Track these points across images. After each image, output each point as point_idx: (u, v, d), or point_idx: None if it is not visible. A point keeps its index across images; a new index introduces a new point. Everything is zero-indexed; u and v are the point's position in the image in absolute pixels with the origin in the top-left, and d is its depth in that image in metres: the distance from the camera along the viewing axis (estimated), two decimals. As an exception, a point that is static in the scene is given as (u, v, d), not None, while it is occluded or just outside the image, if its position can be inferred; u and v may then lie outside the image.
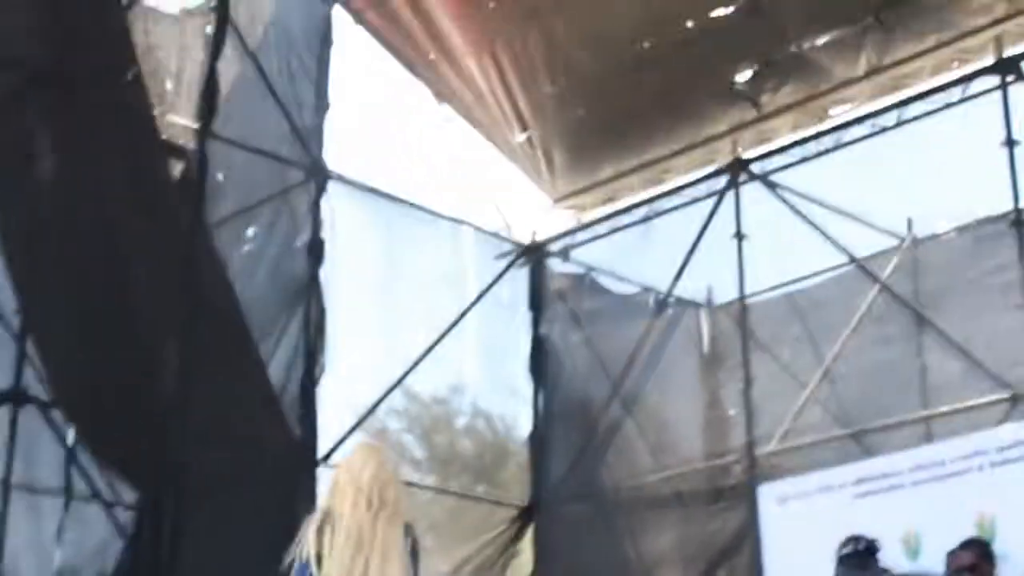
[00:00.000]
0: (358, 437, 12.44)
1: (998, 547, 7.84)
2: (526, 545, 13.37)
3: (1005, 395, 10.78)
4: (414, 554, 5.59)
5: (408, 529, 5.63)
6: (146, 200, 10.66)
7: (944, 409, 11.28)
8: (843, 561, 7.77)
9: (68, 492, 10.05)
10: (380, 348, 12.68)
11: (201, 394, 10.44)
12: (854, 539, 7.87)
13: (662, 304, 13.46)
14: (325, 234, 12.06)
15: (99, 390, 10.12)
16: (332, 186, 12.27)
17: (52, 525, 9.90)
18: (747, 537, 11.32)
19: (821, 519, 9.08)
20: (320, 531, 5.43)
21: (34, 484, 9.95)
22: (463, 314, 13.23)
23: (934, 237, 12.30)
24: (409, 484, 13.48)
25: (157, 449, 10.22)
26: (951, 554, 7.67)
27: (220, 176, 11.39)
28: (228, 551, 10.21)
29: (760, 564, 10.13)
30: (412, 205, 13.28)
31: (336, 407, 12.15)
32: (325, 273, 11.96)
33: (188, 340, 10.49)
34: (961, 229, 12.01)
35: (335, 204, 12.32)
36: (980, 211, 11.73)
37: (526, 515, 13.40)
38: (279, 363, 11.36)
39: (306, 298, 11.79)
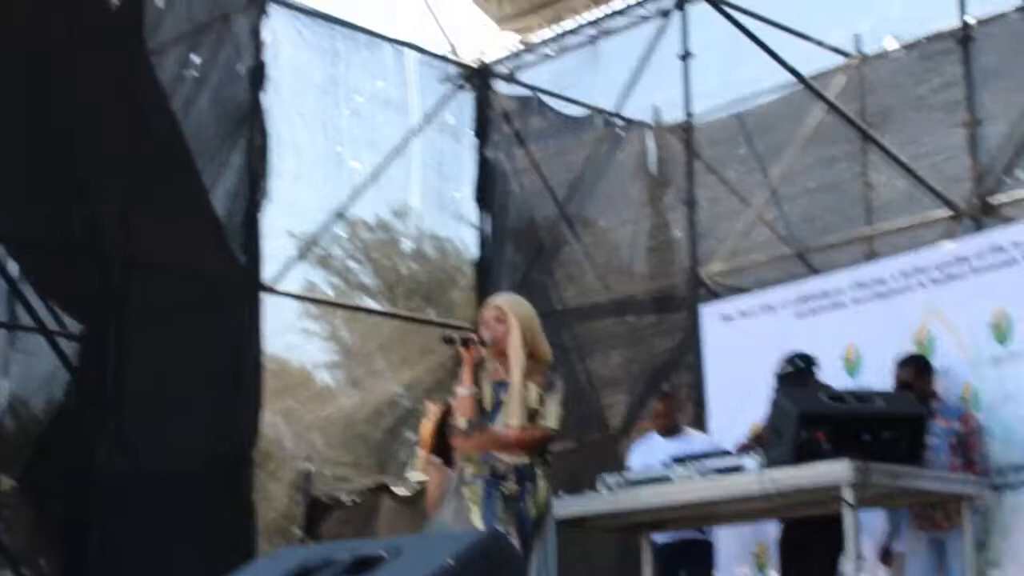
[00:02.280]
0: (303, 263, 12.49)
1: (936, 362, 7.97)
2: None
3: (948, 213, 10.85)
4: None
5: None
6: (84, 27, 10.48)
7: (888, 227, 11.36)
8: (782, 380, 7.88)
9: (13, 324, 10.05)
10: (324, 174, 12.61)
11: (144, 223, 10.40)
12: (791, 359, 7.97)
13: (609, 125, 13.40)
14: (267, 59, 11.90)
15: (41, 222, 10.08)
16: (273, 9, 12.08)
17: (-2, 357, 9.93)
18: (691, 355, 11.47)
19: (763, 337, 9.14)
20: None
21: (-22, 317, 9.95)
22: (408, 139, 13.14)
23: (881, 55, 12.24)
24: (357, 309, 13.59)
25: (100, 280, 10.21)
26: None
27: (159, 1, 11.20)
28: (174, 378, 10.28)
29: (703, 382, 10.24)
30: (355, 28, 13.05)
31: (280, 234, 12.14)
32: (267, 99, 11.84)
33: (131, 170, 10.42)
34: (908, 47, 11.95)
35: (277, 28, 12.16)
36: (928, 28, 11.66)
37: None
38: (222, 191, 11.30)
39: (249, 124, 11.68)
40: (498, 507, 5.93)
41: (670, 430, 8.88)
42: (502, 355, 6.02)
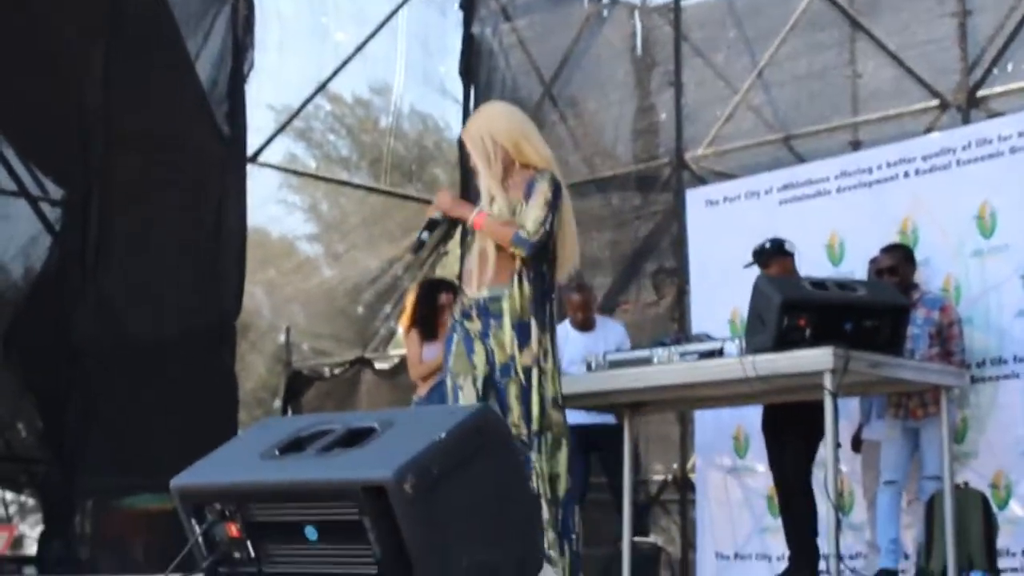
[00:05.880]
0: (284, 136, 12.41)
1: (919, 253, 8.01)
2: (454, 245, 13.47)
3: (934, 103, 10.83)
4: None
5: None
6: None
7: (874, 116, 11.33)
8: (755, 255, 7.90)
9: (-7, 187, 10.02)
10: (308, 46, 12.50)
11: (128, 91, 10.33)
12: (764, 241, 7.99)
13: (596, 4, 13.28)
14: (254, -75, 11.76)
15: (23, 86, 9.97)
16: None
17: (-23, 221, 9.89)
18: (675, 239, 11.50)
19: (747, 223, 9.12)
20: None
21: (-43, 179, 9.89)
22: (393, 12, 13.01)
23: (873, -60, 12.12)
24: (340, 183, 13.54)
25: (83, 146, 10.15)
26: (873, 260, 7.83)
27: None
28: (157, 247, 10.27)
29: (686, 266, 10.27)
30: None
31: (263, 106, 12.07)
32: (254, -33, 11.73)
33: (114, 36, 10.32)
34: (901, -68, 11.82)
35: None
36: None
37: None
38: (206, 61, 11.20)
39: (234, -7, 11.56)
40: (470, 349, 5.33)
41: (587, 323, 8.89)
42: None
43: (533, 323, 5.29)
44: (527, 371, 5.25)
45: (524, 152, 5.43)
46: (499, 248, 5.34)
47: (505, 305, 5.28)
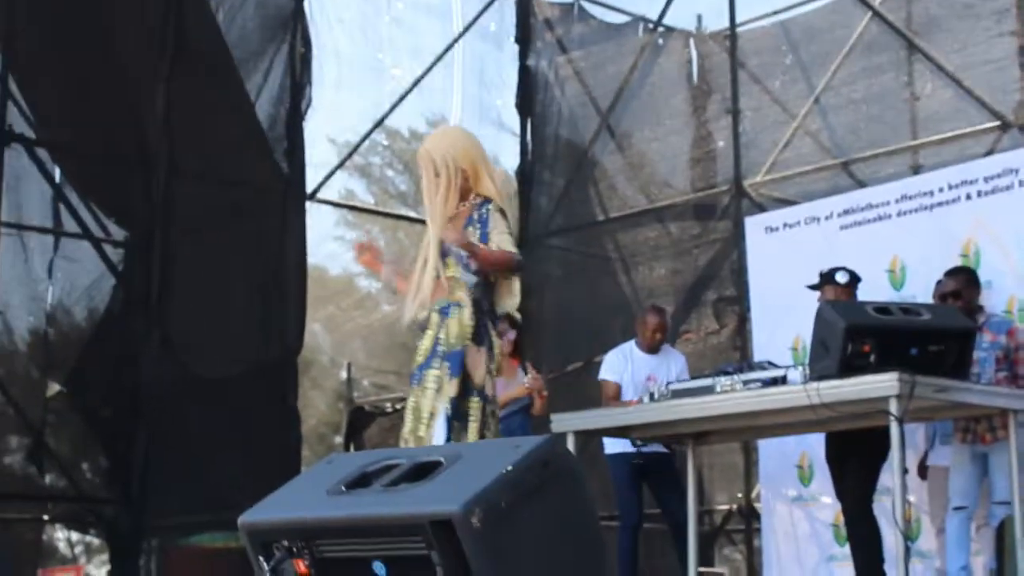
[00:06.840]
0: (341, 172, 12.44)
1: (982, 275, 7.92)
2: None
3: (995, 124, 10.74)
4: None
5: None
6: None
7: (934, 138, 11.26)
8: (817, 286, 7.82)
9: (57, 230, 10.10)
10: (365, 81, 12.56)
11: (188, 131, 10.42)
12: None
13: (651, 33, 13.28)
14: (309, -36, 11.84)
15: (85, 128, 10.10)
16: (314, -85, 11.99)
17: (43, 263, 9.97)
18: (734, 267, 11.45)
19: (807, 249, 9.08)
20: None
21: (23, 222, 9.99)
22: (449, 46, 13.05)
23: (929, -39, 12.06)
24: (398, 217, 13.57)
25: (144, 187, 10.25)
26: (939, 282, 7.75)
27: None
28: (218, 285, 10.34)
29: (747, 294, 10.22)
30: (396, -67, 12.96)
31: (321, 142, 12.13)
32: (309, 5, 11.79)
33: (174, 76, 10.42)
34: (956, -47, 11.76)
35: (319, -67, 12.08)
36: (977, -67, 11.48)
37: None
38: (266, 98, 11.27)
39: (291, 31, 11.62)
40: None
41: (658, 346, 8.81)
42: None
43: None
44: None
45: (481, 178, 5.49)
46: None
47: (455, 310, 5.42)
